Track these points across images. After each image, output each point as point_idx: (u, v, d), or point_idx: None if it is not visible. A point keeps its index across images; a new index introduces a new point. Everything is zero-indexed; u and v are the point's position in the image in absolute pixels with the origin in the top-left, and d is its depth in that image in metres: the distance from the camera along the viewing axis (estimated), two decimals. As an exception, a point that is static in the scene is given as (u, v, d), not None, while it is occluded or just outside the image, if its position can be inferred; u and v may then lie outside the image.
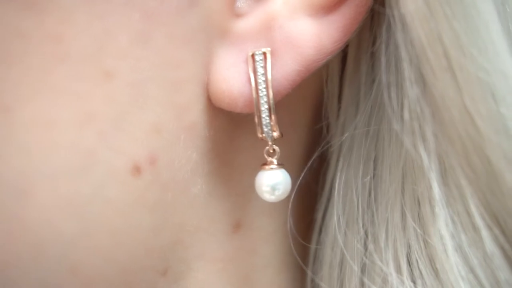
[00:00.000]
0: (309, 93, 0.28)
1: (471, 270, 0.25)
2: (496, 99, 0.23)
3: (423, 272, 0.25)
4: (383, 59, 0.25)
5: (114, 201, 0.24)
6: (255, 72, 0.24)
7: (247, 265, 0.28)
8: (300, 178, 0.28)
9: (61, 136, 0.23)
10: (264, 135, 0.25)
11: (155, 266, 0.26)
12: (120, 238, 0.24)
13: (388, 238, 0.26)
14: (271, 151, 0.26)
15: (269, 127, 0.25)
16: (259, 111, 0.25)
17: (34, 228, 0.23)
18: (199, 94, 0.25)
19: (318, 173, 0.29)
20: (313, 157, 0.28)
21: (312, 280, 0.29)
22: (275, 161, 0.26)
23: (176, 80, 0.24)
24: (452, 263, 0.25)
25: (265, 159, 0.26)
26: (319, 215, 0.29)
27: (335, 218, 0.27)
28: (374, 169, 0.27)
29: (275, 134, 0.25)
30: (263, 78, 0.24)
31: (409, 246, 0.26)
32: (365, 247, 0.27)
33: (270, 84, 0.24)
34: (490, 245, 0.24)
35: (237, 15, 0.24)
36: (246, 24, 0.24)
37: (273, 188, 0.26)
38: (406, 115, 0.24)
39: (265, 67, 0.24)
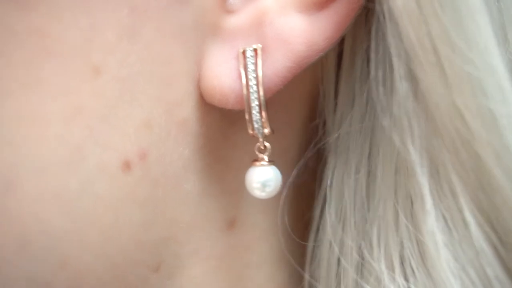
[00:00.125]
0: (305, 90, 0.28)
1: (462, 267, 0.24)
2: (486, 95, 0.23)
3: (415, 269, 0.25)
4: (373, 55, 0.24)
5: (103, 196, 0.24)
6: (245, 68, 0.24)
7: (241, 262, 0.28)
8: (293, 175, 0.28)
9: (49, 130, 0.23)
10: (255, 131, 0.25)
11: (147, 261, 0.26)
12: (110, 232, 0.24)
13: (381, 236, 0.26)
14: (262, 147, 0.26)
15: (260, 124, 0.25)
16: (249, 107, 0.25)
17: (20, 220, 0.23)
18: (190, 90, 0.25)
19: (315, 171, 0.29)
20: (308, 155, 0.28)
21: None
22: (266, 158, 0.26)
23: (167, 76, 0.24)
24: (443, 260, 0.24)
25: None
26: (317, 213, 0.29)
27: (330, 216, 0.27)
28: (368, 166, 0.27)
29: (266, 130, 0.25)
30: (254, 75, 0.24)
31: (402, 244, 0.26)
32: (358, 245, 0.27)
33: (260, 81, 0.24)
34: (480, 242, 0.24)
35: (229, 11, 0.24)
36: (237, 20, 0.24)
37: (264, 185, 0.25)
38: (395, 111, 0.24)
39: (255, 64, 0.24)
